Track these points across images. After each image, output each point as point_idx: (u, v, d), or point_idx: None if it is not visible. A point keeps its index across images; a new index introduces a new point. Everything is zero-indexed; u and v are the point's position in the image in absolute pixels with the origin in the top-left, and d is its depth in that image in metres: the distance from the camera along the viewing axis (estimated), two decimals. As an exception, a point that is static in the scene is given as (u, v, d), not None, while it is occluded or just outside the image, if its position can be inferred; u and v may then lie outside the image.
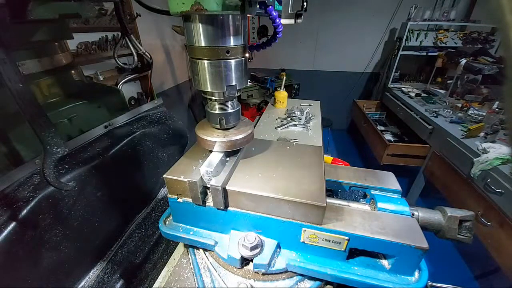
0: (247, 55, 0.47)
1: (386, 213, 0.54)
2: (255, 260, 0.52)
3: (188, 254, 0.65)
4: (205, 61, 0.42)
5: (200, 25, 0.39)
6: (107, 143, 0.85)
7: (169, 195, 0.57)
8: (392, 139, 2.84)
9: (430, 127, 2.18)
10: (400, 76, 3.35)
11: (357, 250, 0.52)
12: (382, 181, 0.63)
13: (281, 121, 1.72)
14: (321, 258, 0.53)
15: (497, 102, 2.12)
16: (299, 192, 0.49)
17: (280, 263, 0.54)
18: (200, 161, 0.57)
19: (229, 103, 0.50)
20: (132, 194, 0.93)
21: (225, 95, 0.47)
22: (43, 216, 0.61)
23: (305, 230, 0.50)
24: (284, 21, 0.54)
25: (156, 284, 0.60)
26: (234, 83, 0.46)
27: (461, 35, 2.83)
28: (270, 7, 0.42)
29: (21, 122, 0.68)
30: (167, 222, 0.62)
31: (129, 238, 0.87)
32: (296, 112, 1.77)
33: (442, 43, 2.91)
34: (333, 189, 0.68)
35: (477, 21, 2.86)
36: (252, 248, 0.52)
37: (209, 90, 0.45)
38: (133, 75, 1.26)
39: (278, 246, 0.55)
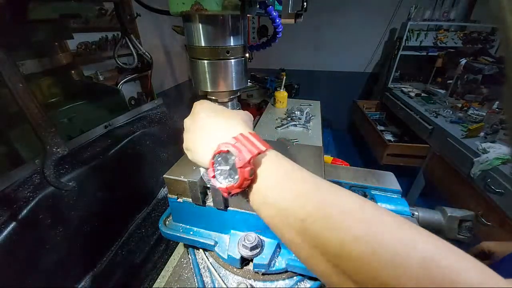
0: (247, 55, 0.47)
1: (386, 213, 0.54)
2: (255, 260, 0.52)
3: (188, 254, 0.65)
4: (205, 61, 0.42)
5: (200, 25, 0.39)
6: (107, 143, 0.84)
7: (169, 195, 0.57)
8: (392, 139, 2.84)
9: (430, 127, 2.18)
10: (400, 76, 3.34)
11: (357, 250, 0.52)
12: (382, 181, 0.64)
13: (281, 121, 1.72)
14: (321, 258, 0.53)
15: (497, 102, 2.12)
16: (299, 192, 0.49)
17: (280, 263, 0.54)
18: (200, 161, 0.57)
19: (229, 103, 0.50)
20: (132, 194, 0.93)
21: (225, 95, 0.47)
22: (43, 216, 0.61)
23: (305, 230, 0.50)
24: (284, 21, 0.54)
25: (156, 284, 0.60)
26: (234, 83, 0.46)
27: (461, 35, 2.82)
28: (270, 7, 0.42)
29: (21, 122, 0.68)
30: (167, 222, 0.62)
31: (129, 238, 0.87)
32: (296, 112, 1.78)
33: (442, 43, 2.90)
34: (333, 189, 0.68)
35: (477, 21, 2.86)
36: (252, 248, 0.52)
37: (209, 90, 0.45)
38: (133, 75, 1.26)
39: (278, 246, 0.55)
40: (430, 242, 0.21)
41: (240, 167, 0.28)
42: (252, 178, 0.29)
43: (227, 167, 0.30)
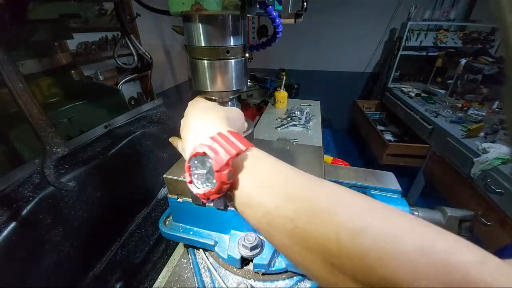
0: (247, 55, 0.47)
1: (386, 213, 0.54)
2: (255, 260, 0.52)
3: (188, 254, 0.65)
4: (205, 61, 0.42)
5: (200, 25, 0.39)
6: (107, 143, 0.85)
7: (169, 195, 0.57)
8: (392, 139, 2.84)
9: (430, 127, 2.18)
10: (400, 76, 3.34)
11: (357, 250, 0.52)
12: (382, 181, 0.64)
13: (281, 121, 1.72)
14: (321, 258, 0.53)
15: (497, 102, 2.12)
16: (299, 192, 0.49)
17: (280, 263, 0.54)
18: (200, 161, 0.57)
19: (229, 103, 0.50)
20: (132, 194, 0.93)
21: (225, 95, 0.47)
22: (43, 216, 0.61)
23: (305, 230, 0.50)
24: (284, 21, 0.54)
25: (156, 284, 0.60)
26: (234, 83, 0.46)
27: (461, 35, 2.82)
28: (270, 7, 0.42)
29: (21, 122, 0.68)
30: (167, 222, 0.62)
31: (129, 238, 0.87)
32: (296, 112, 1.78)
33: (442, 43, 2.90)
34: (333, 189, 0.68)
35: (477, 21, 2.86)
36: (252, 248, 0.52)
37: (209, 90, 0.45)
38: (133, 75, 1.26)
39: (278, 246, 0.55)
40: (424, 226, 0.20)
41: (217, 171, 0.25)
42: (232, 182, 0.27)
43: (204, 171, 0.27)
